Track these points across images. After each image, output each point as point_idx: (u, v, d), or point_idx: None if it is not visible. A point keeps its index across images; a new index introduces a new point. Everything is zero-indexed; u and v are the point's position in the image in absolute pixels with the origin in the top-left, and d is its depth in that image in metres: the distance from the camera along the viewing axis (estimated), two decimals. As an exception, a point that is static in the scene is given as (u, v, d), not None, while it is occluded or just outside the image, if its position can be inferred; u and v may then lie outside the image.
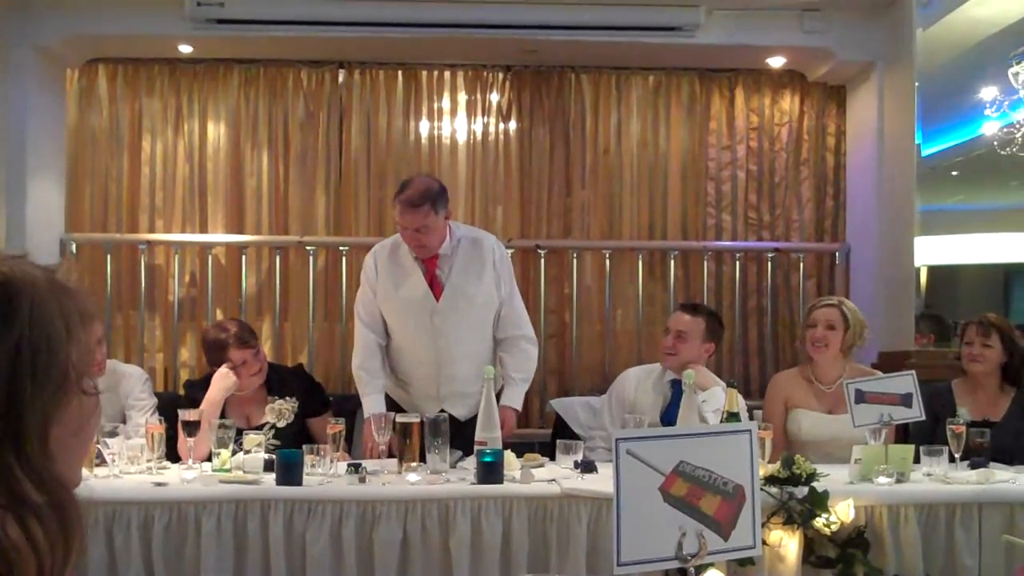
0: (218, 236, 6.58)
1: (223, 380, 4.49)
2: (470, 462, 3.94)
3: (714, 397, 4.33)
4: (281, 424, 4.38)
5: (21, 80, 5.94)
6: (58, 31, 5.99)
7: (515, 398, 4.67)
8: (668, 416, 4.54)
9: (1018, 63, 5.87)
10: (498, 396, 4.50)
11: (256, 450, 4.00)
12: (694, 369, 4.55)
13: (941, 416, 4.37)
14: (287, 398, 4.43)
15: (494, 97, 6.76)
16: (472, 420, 4.22)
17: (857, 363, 4.90)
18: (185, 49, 6.37)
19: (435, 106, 6.75)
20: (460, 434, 4.09)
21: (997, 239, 6.72)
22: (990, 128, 6.06)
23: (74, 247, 6.38)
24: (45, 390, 1.13)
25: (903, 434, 4.54)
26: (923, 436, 4.40)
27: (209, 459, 4.01)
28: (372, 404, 4.53)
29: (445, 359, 4.56)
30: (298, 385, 4.65)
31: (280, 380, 4.65)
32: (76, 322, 1.18)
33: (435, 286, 4.55)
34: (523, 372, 4.71)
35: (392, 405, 4.63)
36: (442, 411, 4.36)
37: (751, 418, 4.61)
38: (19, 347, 1.11)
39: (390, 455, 4.04)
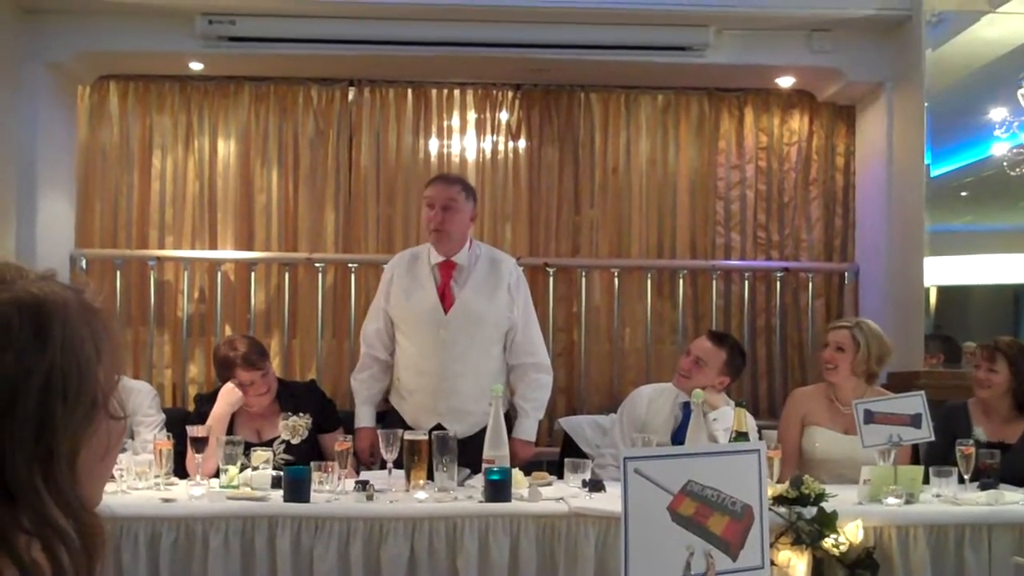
0: (227, 252, 6.59)
1: (229, 395, 4.50)
2: (478, 480, 3.93)
3: (724, 416, 4.33)
4: (295, 441, 4.41)
5: (32, 96, 5.96)
6: (69, 48, 6.01)
7: (527, 430, 4.67)
8: (678, 437, 4.53)
9: (1027, 84, 5.87)
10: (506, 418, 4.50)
11: (264, 467, 3.99)
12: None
13: (957, 435, 4.34)
14: (300, 414, 4.44)
15: (503, 116, 6.77)
16: (472, 438, 4.23)
17: (882, 389, 4.84)
18: (196, 66, 6.39)
19: (444, 124, 6.77)
20: (462, 453, 4.07)
21: (1007, 260, 6.69)
22: (999, 149, 6.04)
23: (84, 263, 6.39)
24: (75, 414, 1.13)
25: (916, 453, 4.52)
26: (937, 455, 4.38)
27: (217, 475, 4.00)
28: (361, 416, 4.70)
29: (447, 373, 4.56)
30: (311, 401, 4.66)
31: (292, 396, 4.65)
32: (105, 345, 1.18)
33: (446, 299, 4.57)
34: (534, 402, 4.69)
35: (395, 415, 4.68)
36: (439, 426, 4.37)
37: (760, 438, 4.59)
38: (51, 370, 1.11)
39: (382, 465, 4.07)
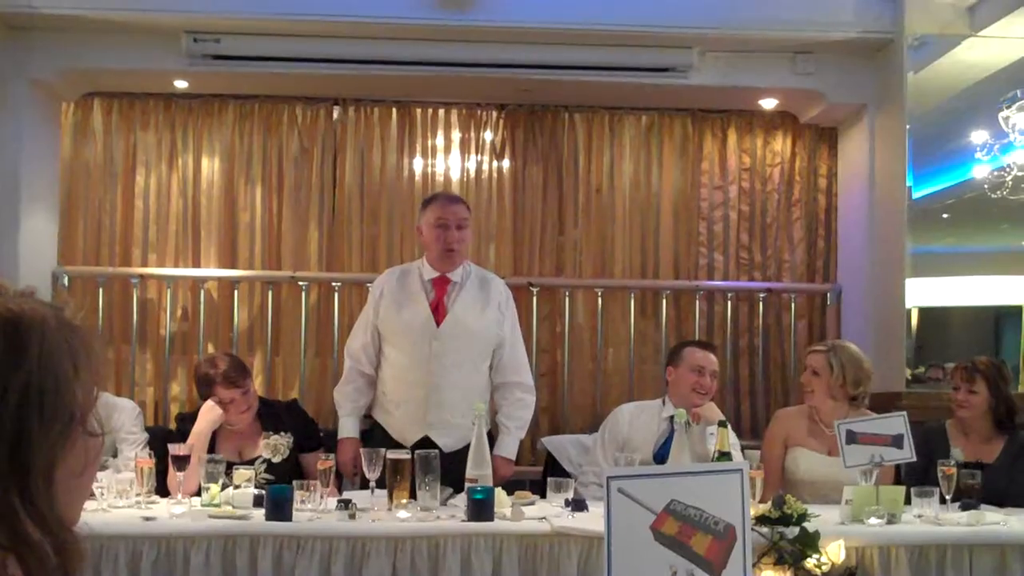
0: (211, 271, 6.58)
1: (209, 413, 4.50)
2: (460, 499, 3.93)
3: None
4: (276, 460, 4.39)
5: (16, 113, 5.94)
6: (54, 65, 6.00)
7: (508, 447, 4.68)
8: (663, 453, 4.53)
9: (1008, 107, 5.91)
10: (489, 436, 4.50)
11: (246, 485, 3.98)
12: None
13: (935, 456, 4.36)
14: (282, 433, 4.43)
15: (488, 135, 6.78)
16: (458, 452, 4.24)
17: (866, 410, 4.86)
18: (181, 84, 6.40)
19: (429, 143, 6.78)
20: (448, 467, 4.06)
21: (988, 281, 6.73)
22: (980, 171, 6.09)
23: (66, 280, 6.37)
24: (52, 430, 1.13)
25: (897, 473, 4.53)
26: (917, 475, 4.39)
27: (198, 493, 3.99)
28: (345, 427, 4.70)
29: (437, 384, 4.58)
30: (292, 420, 4.66)
31: (274, 415, 4.64)
32: (83, 362, 1.18)
33: (439, 312, 4.60)
34: (517, 421, 4.72)
35: (380, 430, 4.68)
36: (426, 439, 4.39)
37: (744, 457, 4.60)
38: (28, 386, 1.11)
39: (364, 483, 4.07)
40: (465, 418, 4.36)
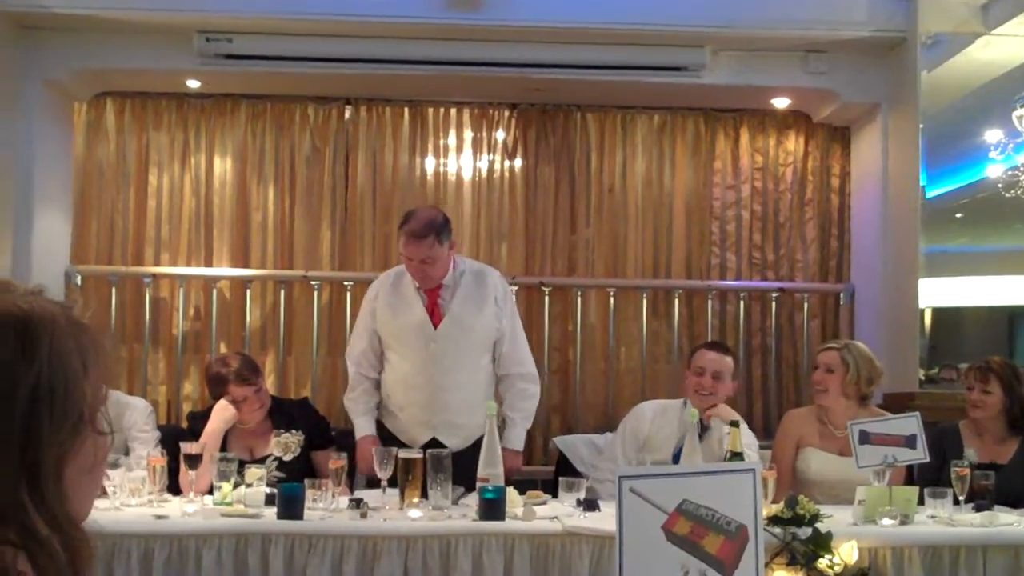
0: (223, 270, 6.59)
1: (222, 412, 4.50)
2: (472, 498, 3.92)
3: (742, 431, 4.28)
4: (288, 458, 4.39)
5: (29, 113, 5.96)
6: (67, 65, 6.02)
7: (515, 439, 4.67)
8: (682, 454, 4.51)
9: (1022, 106, 5.89)
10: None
11: (258, 484, 3.98)
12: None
13: (948, 456, 4.34)
14: (293, 431, 4.43)
15: (500, 135, 6.78)
16: (465, 452, 4.23)
17: (877, 409, 4.85)
18: (193, 84, 6.41)
19: (441, 143, 6.78)
20: (455, 468, 4.05)
21: (1001, 281, 6.71)
22: (994, 171, 6.07)
23: (79, 279, 6.38)
24: (62, 428, 1.13)
25: (910, 474, 4.51)
26: (930, 476, 4.37)
27: (210, 492, 3.99)
28: (361, 426, 4.66)
29: (439, 386, 4.57)
30: (304, 418, 4.66)
31: (285, 413, 4.65)
32: (92, 360, 1.18)
33: (435, 314, 4.58)
34: (522, 411, 4.70)
35: (386, 434, 4.67)
36: (434, 440, 4.39)
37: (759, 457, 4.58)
38: (38, 384, 1.11)
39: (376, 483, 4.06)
40: (471, 417, 4.37)
